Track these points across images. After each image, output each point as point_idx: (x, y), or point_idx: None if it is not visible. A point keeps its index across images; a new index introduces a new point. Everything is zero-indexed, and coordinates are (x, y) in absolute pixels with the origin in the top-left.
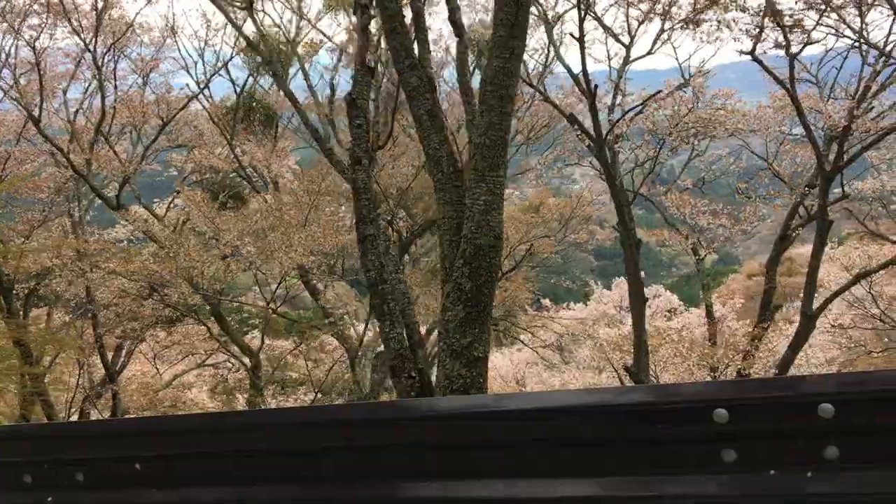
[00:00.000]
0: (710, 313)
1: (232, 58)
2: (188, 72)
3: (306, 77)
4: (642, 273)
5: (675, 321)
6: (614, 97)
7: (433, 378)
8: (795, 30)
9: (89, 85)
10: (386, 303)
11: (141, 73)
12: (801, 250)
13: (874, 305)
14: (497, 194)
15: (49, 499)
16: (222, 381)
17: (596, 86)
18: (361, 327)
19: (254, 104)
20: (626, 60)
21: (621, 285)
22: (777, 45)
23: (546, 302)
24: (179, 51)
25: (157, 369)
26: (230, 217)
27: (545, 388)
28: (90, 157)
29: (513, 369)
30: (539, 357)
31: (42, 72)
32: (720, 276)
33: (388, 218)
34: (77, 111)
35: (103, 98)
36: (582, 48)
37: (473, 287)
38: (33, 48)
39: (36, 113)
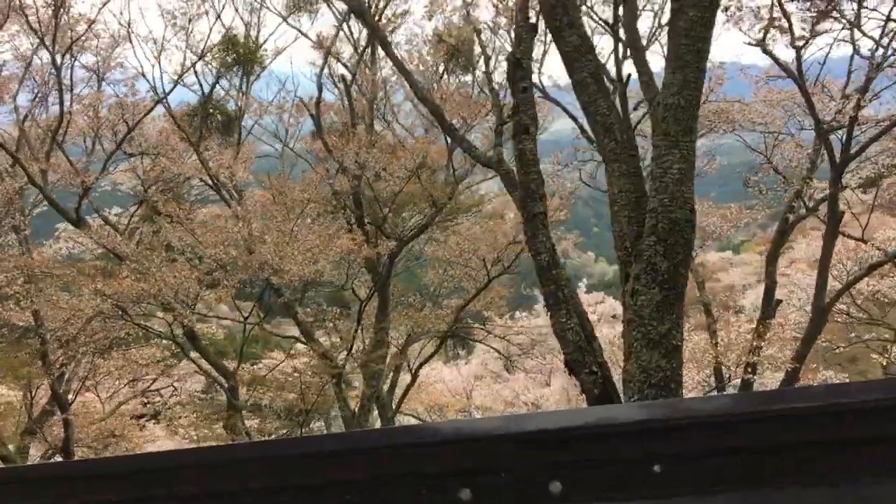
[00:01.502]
0: (708, 312)
1: (203, 55)
2: (144, 76)
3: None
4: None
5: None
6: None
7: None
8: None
9: (38, 92)
10: (560, 289)
11: (98, 77)
12: (709, 257)
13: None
14: (691, 162)
15: None
16: (163, 408)
17: (629, 75)
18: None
19: (210, 109)
20: (623, 55)
21: None
22: (793, 40)
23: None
24: (136, 54)
25: (99, 397)
26: (209, 228)
27: (496, 399)
28: (46, 167)
29: (462, 383)
30: (488, 370)
31: None
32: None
33: (379, 224)
34: (26, 117)
35: (62, 102)
36: (615, 34)
37: (670, 266)
38: None
39: None
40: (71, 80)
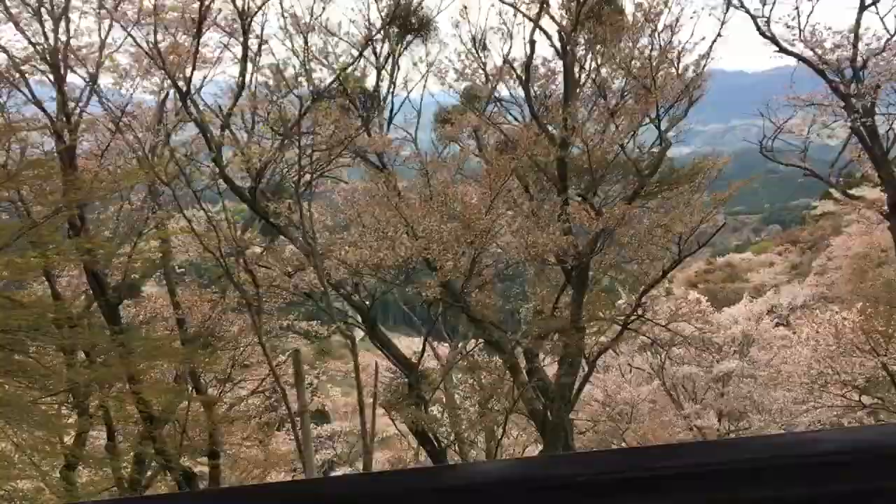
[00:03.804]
0: None
1: (382, 27)
2: (294, 52)
3: None
4: None
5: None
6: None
7: None
8: None
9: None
10: None
11: (257, 51)
12: (731, 259)
13: None
14: None
15: None
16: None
17: None
18: None
19: (343, 86)
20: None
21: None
22: None
23: None
24: (286, 30)
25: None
26: (411, 204)
27: (587, 396)
28: (221, 142)
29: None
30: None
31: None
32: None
33: (586, 195)
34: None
35: (243, 73)
36: None
37: None
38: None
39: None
40: (246, 48)
